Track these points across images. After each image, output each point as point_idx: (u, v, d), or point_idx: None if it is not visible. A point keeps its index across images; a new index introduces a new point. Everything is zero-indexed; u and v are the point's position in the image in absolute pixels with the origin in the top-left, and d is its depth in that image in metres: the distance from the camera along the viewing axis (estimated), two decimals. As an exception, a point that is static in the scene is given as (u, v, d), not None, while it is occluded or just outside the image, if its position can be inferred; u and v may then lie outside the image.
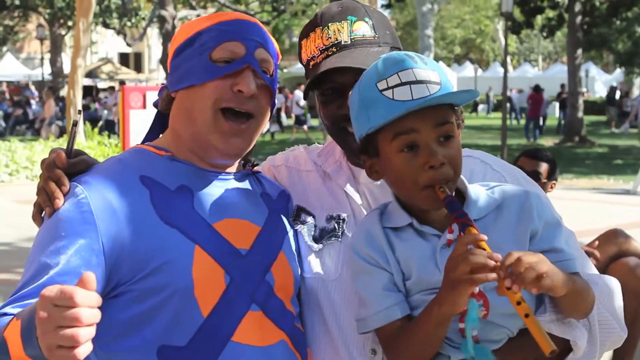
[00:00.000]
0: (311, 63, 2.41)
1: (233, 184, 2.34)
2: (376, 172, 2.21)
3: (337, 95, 2.37)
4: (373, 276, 2.16)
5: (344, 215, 2.45)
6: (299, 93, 33.01)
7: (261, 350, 2.18)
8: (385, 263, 2.16)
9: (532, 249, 2.11)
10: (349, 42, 2.36)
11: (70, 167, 2.20)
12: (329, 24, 2.39)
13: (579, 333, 2.14)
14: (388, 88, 2.09)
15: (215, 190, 2.29)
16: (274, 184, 2.54)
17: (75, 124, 2.27)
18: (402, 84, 2.08)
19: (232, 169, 2.39)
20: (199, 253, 2.16)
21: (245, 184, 2.39)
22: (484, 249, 1.90)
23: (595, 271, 2.37)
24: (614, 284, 2.34)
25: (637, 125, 25.62)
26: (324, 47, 2.38)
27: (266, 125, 2.43)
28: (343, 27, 2.37)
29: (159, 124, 2.45)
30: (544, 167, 5.71)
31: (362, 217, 2.39)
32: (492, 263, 1.87)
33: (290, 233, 2.43)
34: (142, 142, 2.41)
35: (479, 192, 2.20)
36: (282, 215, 2.44)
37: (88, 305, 1.67)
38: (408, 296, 2.15)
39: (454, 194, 2.09)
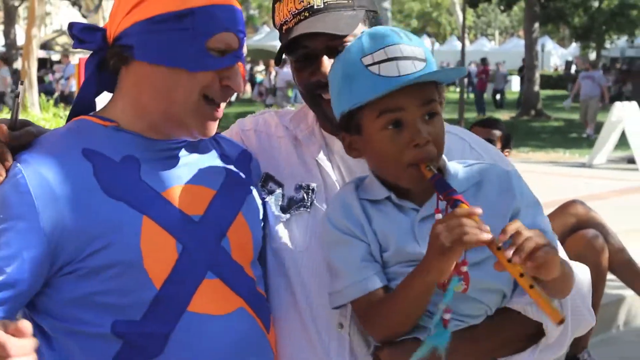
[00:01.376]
0: (284, 27, 2.35)
1: (186, 149, 2.27)
2: (356, 150, 2.17)
3: (310, 61, 2.32)
4: (349, 247, 2.12)
5: (313, 185, 2.40)
6: (287, 70, 32.81)
7: (219, 319, 2.14)
8: (362, 234, 2.13)
9: None
10: (322, 6, 2.30)
11: (14, 140, 2.12)
12: None
13: None
14: (374, 63, 2.05)
15: (165, 157, 2.22)
16: (235, 144, 2.47)
17: (17, 95, 2.20)
18: (389, 59, 2.04)
19: None
20: (148, 223, 2.10)
21: (200, 147, 2.32)
22: None
23: (565, 256, 2.38)
24: (585, 271, 2.34)
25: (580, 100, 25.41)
26: (296, 11, 2.31)
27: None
28: None
29: (95, 80, 2.27)
30: (497, 135, 5.75)
31: (333, 188, 2.36)
32: (486, 232, 1.88)
33: (254, 194, 2.37)
34: (76, 100, 2.28)
35: (457, 168, 2.18)
36: (242, 176, 2.37)
37: (23, 355, 1.63)
38: (385, 268, 2.12)
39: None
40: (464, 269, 1.98)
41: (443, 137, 2.11)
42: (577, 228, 5.35)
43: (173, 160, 2.23)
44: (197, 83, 2.13)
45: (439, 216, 2.03)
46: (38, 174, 2.05)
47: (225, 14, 2.14)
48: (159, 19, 2.12)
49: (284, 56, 2.39)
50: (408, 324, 2.08)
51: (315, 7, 2.30)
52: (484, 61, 34.02)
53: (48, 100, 21.68)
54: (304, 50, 2.31)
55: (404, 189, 2.14)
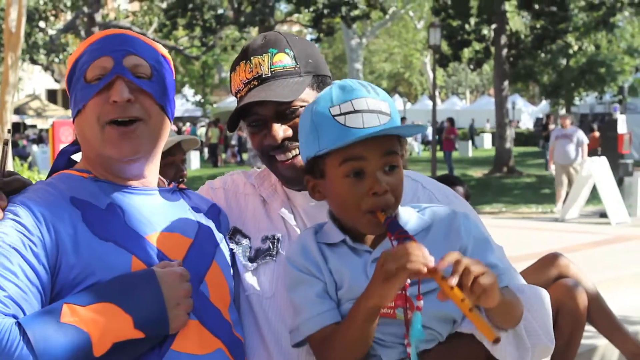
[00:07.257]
0: (238, 95, 2.53)
1: (159, 199, 2.41)
2: (319, 193, 2.29)
3: (262, 126, 2.49)
4: (307, 285, 2.25)
5: (278, 235, 2.53)
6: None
7: (199, 358, 2.23)
8: (318, 273, 2.25)
9: None
10: (269, 75, 2.47)
11: (5, 186, 2.26)
12: (252, 58, 2.50)
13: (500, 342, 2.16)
14: (341, 114, 2.17)
15: (143, 206, 2.35)
16: (204, 199, 2.62)
17: (5, 142, 2.33)
18: (355, 111, 2.17)
19: (154, 185, 2.45)
20: (136, 263, 2.22)
21: (172, 199, 2.46)
22: None
23: (523, 281, 2.44)
24: (542, 294, 2.40)
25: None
26: (247, 81, 2.49)
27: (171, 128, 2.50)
28: (264, 60, 2.48)
29: (64, 159, 2.49)
30: (460, 191, 5.87)
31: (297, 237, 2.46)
32: (430, 261, 1.97)
33: (223, 245, 2.49)
34: (51, 169, 2.47)
35: (409, 214, 2.29)
36: (213, 227, 2.50)
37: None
38: (339, 305, 2.23)
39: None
40: (420, 303, 2.07)
41: (401, 188, 2.23)
42: (558, 278, 5.41)
43: (151, 209, 2.36)
44: (91, 115, 2.31)
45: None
46: (35, 211, 2.18)
47: (99, 44, 2.35)
48: (68, 82, 2.39)
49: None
50: (359, 351, 2.16)
51: (263, 75, 2.47)
52: (451, 121, 32.60)
53: (22, 165, 21.67)
54: (256, 116, 2.48)
55: (359, 233, 2.25)
